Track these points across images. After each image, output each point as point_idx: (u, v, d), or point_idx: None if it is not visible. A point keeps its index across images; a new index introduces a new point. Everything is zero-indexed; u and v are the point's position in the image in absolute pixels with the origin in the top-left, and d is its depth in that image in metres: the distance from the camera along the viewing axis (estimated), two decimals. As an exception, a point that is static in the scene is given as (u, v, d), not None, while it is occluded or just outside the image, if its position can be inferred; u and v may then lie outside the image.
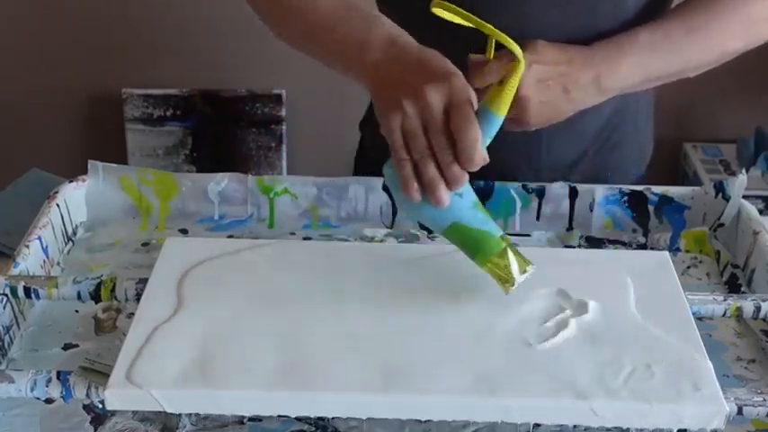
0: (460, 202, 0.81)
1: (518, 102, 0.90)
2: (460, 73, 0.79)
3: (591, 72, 0.93)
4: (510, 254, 0.80)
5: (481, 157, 0.77)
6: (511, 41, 0.77)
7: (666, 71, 0.97)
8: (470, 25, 0.79)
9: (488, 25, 0.78)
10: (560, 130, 0.98)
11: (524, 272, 0.80)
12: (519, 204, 1.04)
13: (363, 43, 0.84)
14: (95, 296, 0.85)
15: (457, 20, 0.79)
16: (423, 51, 0.81)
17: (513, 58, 0.79)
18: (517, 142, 1.01)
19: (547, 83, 0.91)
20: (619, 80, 0.94)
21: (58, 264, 0.97)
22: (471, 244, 0.81)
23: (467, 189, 0.81)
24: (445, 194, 0.78)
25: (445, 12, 0.79)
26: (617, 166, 1.13)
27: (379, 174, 0.86)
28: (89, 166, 1.04)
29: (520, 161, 1.07)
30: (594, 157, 1.10)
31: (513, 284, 0.80)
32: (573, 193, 1.04)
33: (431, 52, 0.81)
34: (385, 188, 1.03)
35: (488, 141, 0.79)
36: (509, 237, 0.82)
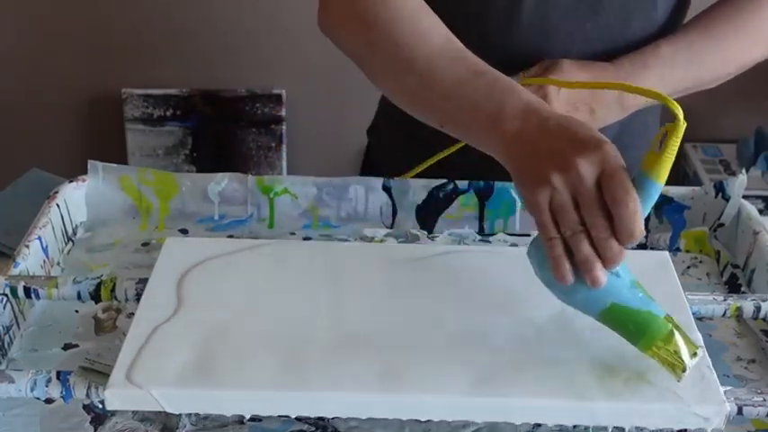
0: (618, 281, 0.74)
1: None
2: (609, 141, 0.73)
3: (615, 90, 0.92)
4: (677, 336, 0.73)
5: (641, 231, 0.71)
6: (671, 101, 0.72)
7: (688, 84, 0.97)
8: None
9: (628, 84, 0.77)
10: None
11: (694, 355, 0.73)
12: (519, 204, 1.04)
13: (499, 113, 0.77)
14: (95, 296, 0.85)
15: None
16: (566, 119, 0.75)
17: (671, 119, 0.72)
18: None
19: (575, 105, 0.91)
20: (641, 97, 0.92)
21: (58, 264, 0.97)
22: (633, 327, 0.74)
23: (624, 267, 0.74)
24: (602, 274, 0.72)
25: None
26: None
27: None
28: (89, 166, 1.04)
29: None
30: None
31: (684, 370, 0.72)
32: (573, 193, 1.03)
33: (574, 120, 0.75)
34: (386, 188, 1.03)
35: (647, 212, 0.73)
36: (672, 317, 0.75)
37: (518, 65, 0.90)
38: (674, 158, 0.73)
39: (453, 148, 1.00)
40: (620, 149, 1.09)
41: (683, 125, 0.71)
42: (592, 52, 0.94)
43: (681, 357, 0.72)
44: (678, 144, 0.72)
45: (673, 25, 0.98)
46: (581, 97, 0.91)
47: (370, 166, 1.25)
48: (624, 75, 0.93)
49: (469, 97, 0.80)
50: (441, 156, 1.02)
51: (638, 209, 0.70)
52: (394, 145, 1.17)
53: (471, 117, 0.80)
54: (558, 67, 0.91)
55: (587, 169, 0.71)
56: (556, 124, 0.74)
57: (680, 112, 0.71)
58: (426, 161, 1.04)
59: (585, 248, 0.71)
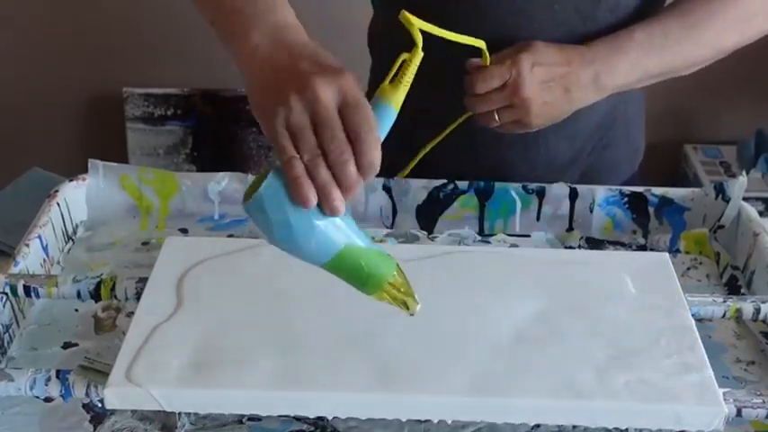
0: (348, 220, 0.70)
1: (521, 104, 0.91)
2: (352, 72, 0.70)
3: (590, 71, 0.93)
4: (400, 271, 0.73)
5: (379, 163, 0.68)
6: (414, 28, 0.72)
7: (663, 69, 0.97)
8: (437, 34, 0.76)
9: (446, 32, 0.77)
10: (557, 129, 0.99)
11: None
12: (519, 205, 1.04)
13: (253, 25, 0.75)
14: (95, 295, 0.85)
15: (425, 27, 0.74)
16: (314, 46, 0.73)
17: (411, 49, 0.73)
18: (515, 141, 1.02)
19: (549, 84, 0.92)
20: (617, 78, 0.95)
21: (58, 263, 0.97)
22: (367, 268, 0.71)
23: (347, 208, 0.70)
24: (341, 203, 0.68)
25: (413, 20, 0.74)
26: (611, 164, 1.13)
27: None
28: (89, 165, 1.04)
29: (517, 159, 1.07)
30: (589, 156, 1.10)
31: (416, 301, 0.73)
32: (573, 194, 1.04)
33: (323, 51, 0.72)
34: (386, 188, 1.03)
35: (382, 139, 0.71)
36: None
37: (489, 49, 0.90)
38: (408, 87, 0.73)
39: (434, 142, 1.02)
40: (601, 147, 1.10)
41: (420, 54, 0.72)
42: (561, 36, 0.95)
43: (410, 289, 0.72)
44: (414, 73, 0.73)
45: (645, 10, 0.99)
46: (555, 76, 0.92)
47: None
48: (597, 58, 0.94)
49: (236, 1, 0.78)
50: (427, 149, 1.03)
51: (378, 139, 0.68)
52: None
53: (230, 21, 0.78)
54: (532, 48, 0.91)
55: (325, 91, 0.67)
56: (304, 50, 0.72)
57: (420, 41, 0.72)
58: (416, 157, 1.04)
59: (324, 173, 0.67)
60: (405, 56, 0.73)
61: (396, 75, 0.73)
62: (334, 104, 0.68)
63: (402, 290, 0.72)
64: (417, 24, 0.73)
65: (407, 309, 0.73)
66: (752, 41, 1.00)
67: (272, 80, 0.70)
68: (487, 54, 0.88)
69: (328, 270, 0.71)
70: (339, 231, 0.69)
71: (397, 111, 0.73)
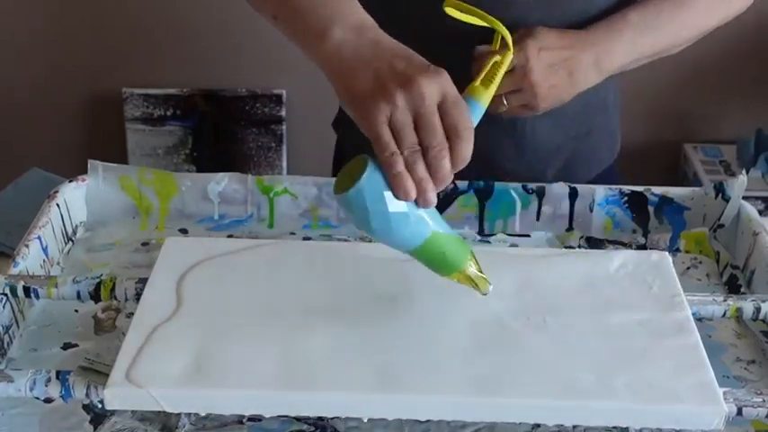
0: (432, 208, 0.76)
1: (529, 88, 0.93)
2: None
3: (591, 54, 0.96)
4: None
5: (470, 157, 0.74)
6: (503, 29, 0.79)
7: (654, 49, 1.01)
8: (483, 23, 0.79)
9: (495, 21, 0.80)
10: (543, 114, 1.00)
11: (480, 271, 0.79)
12: (519, 205, 1.04)
13: (331, 22, 0.78)
14: (95, 296, 0.85)
15: (471, 19, 0.79)
16: (402, 46, 0.77)
17: (503, 50, 0.80)
18: (503, 127, 1.03)
19: (555, 68, 0.94)
20: (615, 60, 0.98)
21: (58, 263, 0.97)
22: (450, 252, 0.76)
23: None
24: (434, 195, 0.73)
25: (458, 12, 0.79)
26: (593, 151, 1.16)
27: None
28: (89, 166, 1.04)
29: (505, 146, 1.09)
30: (574, 141, 1.12)
31: (488, 282, 0.79)
32: (573, 194, 1.04)
33: (409, 49, 0.77)
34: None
35: None
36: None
37: (479, 36, 0.90)
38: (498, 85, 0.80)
39: None
40: (584, 134, 1.12)
41: (511, 56, 0.80)
42: (553, 21, 0.97)
43: (483, 273, 0.78)
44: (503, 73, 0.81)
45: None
46: (559, 60, 0.94)
47: (341, 160, 1.24)
48: (598, 40, 0.97)
49: (307, 5, 0.81)
50: None
51: (473, 135, 0.73)
52: (358, 139, 1.18)
53: (304, 19, 0.81)
54: (536, 34, 0.94)
55: (430, 90, 0.72)
56: (391, 45, 0.76)
57: (511, 43, 0.79)
58: None
59: (421, 169, 0.72)
60: (497, 57, 0.81)
61: (486, 75, 0.80)
62: (435, 103, 0.72)
63: (478, 272, 0.78)
64: (464, 18, 0.79)
65: (480, 289, 0.79)
66: (729, 20, 1.05)
67: (370, 77, 0.74)
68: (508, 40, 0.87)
69: (413, 255, 0.77)
70: (427, 219, 0.75)
71: (485, 109, 0.79)
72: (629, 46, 0.98)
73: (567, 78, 0.95)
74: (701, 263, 1.01)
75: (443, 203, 1.03)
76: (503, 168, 1.07)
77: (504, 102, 0.95)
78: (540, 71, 0.92)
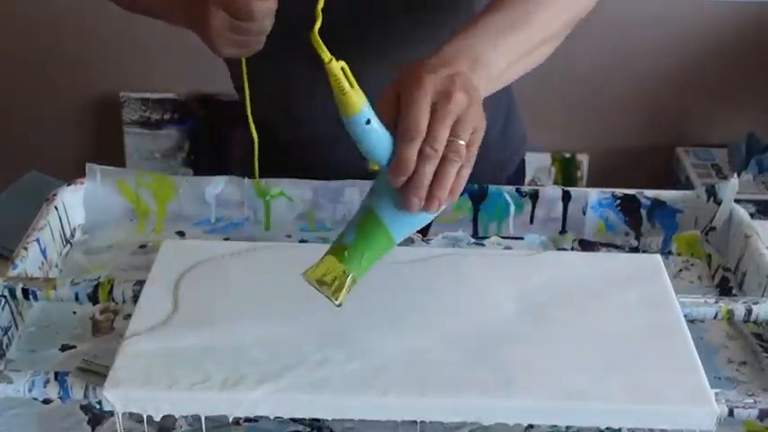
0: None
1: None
2: None
3: (466, 64, 0.83)
4: None
5: None
6: (321, 47, 0.72)
7: (526, 46, 0.89)
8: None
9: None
10: None
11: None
12: (512, 208, 1.04)
13: None
14: (93, 298, 0.86)
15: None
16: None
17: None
18: None
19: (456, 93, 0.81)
20: (492, 64, 0.85)
21: (57, 265, 0.98)
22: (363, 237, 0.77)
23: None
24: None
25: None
26: (511, 149, 1.18)
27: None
28: (87, 169, 1.04)
29: None
30: (493, 141, 1.01)
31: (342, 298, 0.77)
32: (566, 197, 1.04)
33: None
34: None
35: None
36: None
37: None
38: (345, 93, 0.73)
39: None
40: (499, 132, 1.12)
41: (334, 64, 0.72)
42: (413, 51, 0.88)
43: (344, 286, 0.77)
44: (337, 82, 0.72)
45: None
46: (453, 84, 0.82)
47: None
48: (459, 54, 0.83)
49: None
50: None
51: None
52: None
53: None
54: (416, 70, 0.80)
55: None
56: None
57: (326, 57, 0.72)
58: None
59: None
60: (341, 63, 0.73)
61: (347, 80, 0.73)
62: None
63: (337, 280, 0.76)
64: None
65: (332, 297, 0.76)
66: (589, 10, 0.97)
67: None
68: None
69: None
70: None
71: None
72: (489, 47, 0.85)
73: (466, 97, 0.81)
74: (692, 265, 1.01)
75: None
76: None
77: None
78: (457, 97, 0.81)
